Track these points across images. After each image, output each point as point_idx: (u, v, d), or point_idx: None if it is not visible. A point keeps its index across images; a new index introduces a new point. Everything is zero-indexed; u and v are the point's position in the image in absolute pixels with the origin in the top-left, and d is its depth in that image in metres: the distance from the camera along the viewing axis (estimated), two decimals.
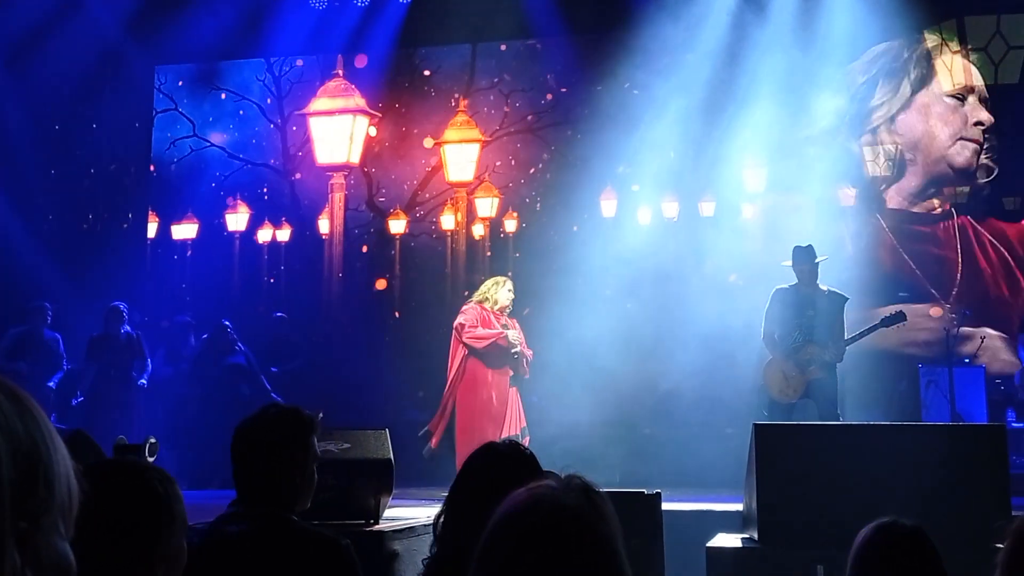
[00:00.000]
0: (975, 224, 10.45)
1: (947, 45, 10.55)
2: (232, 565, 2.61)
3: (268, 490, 2.70)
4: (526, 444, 7.77)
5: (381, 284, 11.84)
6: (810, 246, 7.82)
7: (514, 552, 1.35)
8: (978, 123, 10.43)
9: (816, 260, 7.77)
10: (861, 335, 7.69)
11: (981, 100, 10.48)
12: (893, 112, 10.62)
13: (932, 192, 10.61)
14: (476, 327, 7.90)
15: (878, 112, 10.65)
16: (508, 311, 8.03)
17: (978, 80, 10.52)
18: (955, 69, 10.53)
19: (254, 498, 2.70)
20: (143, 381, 9.96)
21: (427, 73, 11.95)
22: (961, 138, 10.47)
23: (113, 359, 9.89)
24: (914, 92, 10.58)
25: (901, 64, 10.60)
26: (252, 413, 2.83)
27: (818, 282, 7.82)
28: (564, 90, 11.53)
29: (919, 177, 10.62)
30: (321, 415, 2.89)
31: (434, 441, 7.98)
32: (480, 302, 8.03)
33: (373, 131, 11.51)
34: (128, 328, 10.06)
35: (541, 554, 1.34)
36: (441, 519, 2.49)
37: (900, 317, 7.83)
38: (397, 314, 11.67)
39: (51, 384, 9.92)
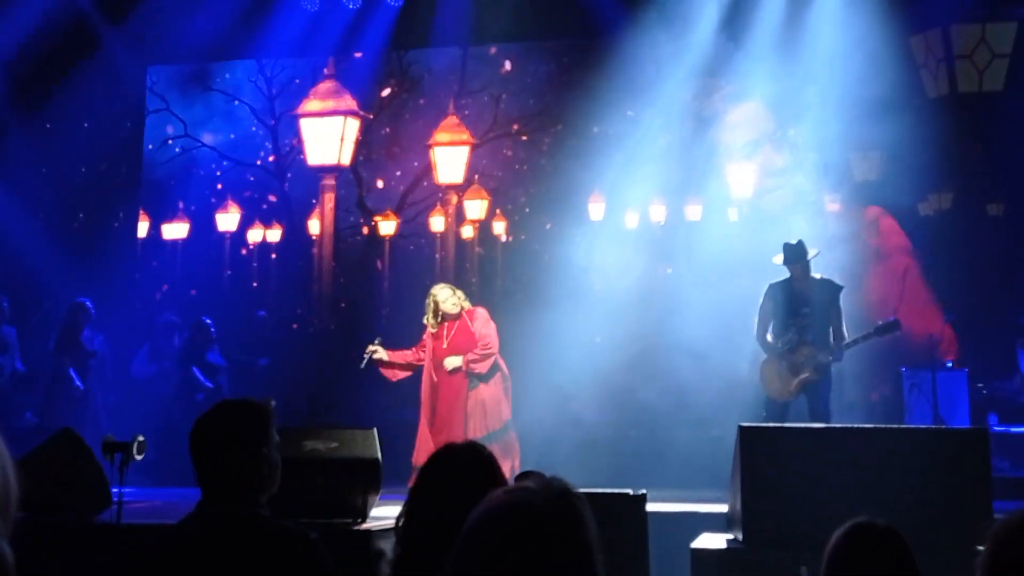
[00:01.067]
0: None
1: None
2: (200, 565, 2.59)
3: (236, 487, 2.67)
4: (513, 439, 7.83)
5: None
6: (800, 242, 7.76)
7: (491, 553, 1.37)
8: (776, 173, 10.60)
9: (808, 257, 7.72)
10: (854, 343, 7.64)
11: (772, 142, 10.62)
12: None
13: None
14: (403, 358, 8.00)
15: None
16: (455, 312, 7.86)
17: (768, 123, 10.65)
18: (744, 120, 10.69)
19: (222, 496, 2.67)
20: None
21: (418, 75, 11.98)
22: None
23: (78, 355, 9.89)
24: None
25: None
26: (207, 411, 2.79)
27: (811, 272, 7.70)
28: (554, 94, 11.57)
29: None
30: (274, 402, 2.88)
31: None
32: (428, 329, 7.90)
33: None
34: (89, 328, 10.05)
35: (517, 556, 1.35)
36: (402, 519, 2.50)
37: (895, 326, 7.80)
38: (385, 314, 11.67)
39: (20, 367, 9.90)
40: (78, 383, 9.78)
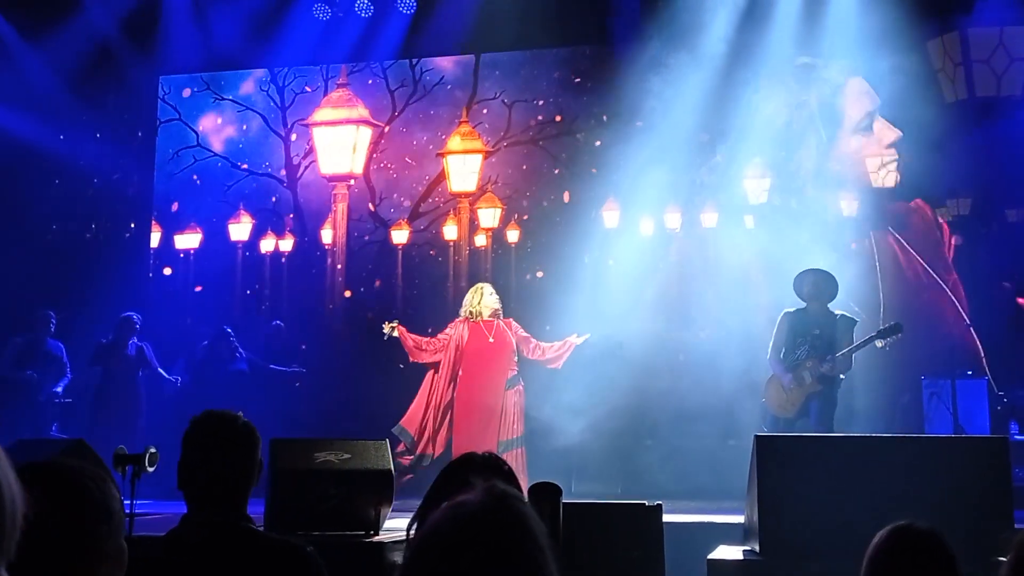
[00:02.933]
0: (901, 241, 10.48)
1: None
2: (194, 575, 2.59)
3: (226, 497, 2.68)
4: (521, 453, 7.87)
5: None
6: (832, 276, 7.86)
7: (435, 568, 1.37)
8: (891, 145, 10.43)
9: (835, 294, 7.81)
10: (856, 348, 7.66)
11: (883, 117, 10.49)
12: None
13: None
14: (430, 345, 8.19)
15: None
16: (500, 313, 8.19)
17: (873, 103, 10.53)
18: (853, 101, 10.58)
19: (211, 506, 2.68)
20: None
21: (430, 83, 11.97)
22: (883, 164, 10.53)
23: (118, 368, 9.92)
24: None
25: (809, 115, 10.62)
26: (196, 420, 2.79)
27: (828, 306, 7.82)
28: (567, 101, 11.54)
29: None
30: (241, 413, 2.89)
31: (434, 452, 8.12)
32: (466, 318, 8.22)
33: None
34: (136, 340, 10.10)
35: (461, 567, 1.35)
36: (412, 528, 2.49)
37: (896, 329, 7.79)
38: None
39: (58, 389, 9.94)
40: (110, 396, 9.81)
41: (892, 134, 10.40)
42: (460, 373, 8.12)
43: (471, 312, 8.18)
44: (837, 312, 7.82)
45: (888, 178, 10.61)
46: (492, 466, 2.52)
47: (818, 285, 7.77)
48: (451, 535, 1.38)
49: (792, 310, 7.85)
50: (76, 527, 1.79)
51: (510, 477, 2.51)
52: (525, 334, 8.24)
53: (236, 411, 2.88)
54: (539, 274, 10.97)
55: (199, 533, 2.65)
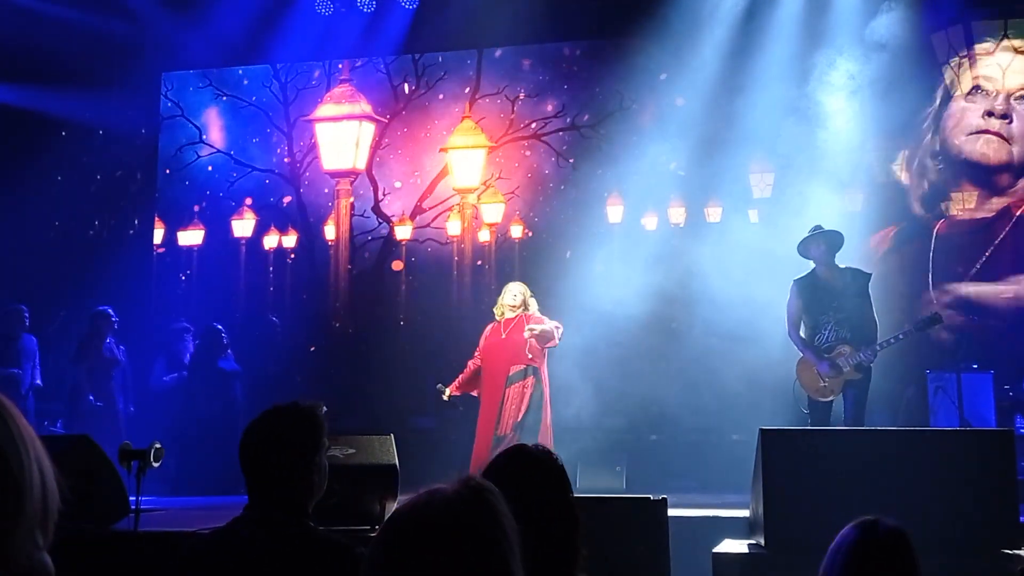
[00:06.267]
0: None
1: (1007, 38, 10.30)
2: (245, 570, 2.58)
3: (286, 493, 2.67)
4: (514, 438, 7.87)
5: (397, 265, 11.79)
6: (818, 226, 7.60)
7: (400, 553, 1.37)
8: (989, 113, 10.17)
9: (840, 243, 7.48)
10: (895, 339, 7.40)
11: (1009, 98, 10.18)
12: (936, 120, 10.44)
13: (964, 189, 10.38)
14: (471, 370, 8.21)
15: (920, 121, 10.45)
16: (520, 310, 8.12)
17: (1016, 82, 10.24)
18: (990, 67, 10.34)
19: (271, 502, 2.66)
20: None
21: (433, 78, 11.96)
22: (975, 131, 10.28)
23: (99, 363, 9.92)
24: (950, 97, 10.42)
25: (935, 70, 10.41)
26: (257, 417, 2.78)
27: (836, 262, 7.48)
28: (570, 95, 11.53)
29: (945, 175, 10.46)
30: (325, 408, 2.86)
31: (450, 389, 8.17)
32: (497, 320, 8.23)
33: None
34: (112, 337, 10.08)
35: (429, 553, 1.36)
36: None
37: (936, 319, 7.58)
38: (402, 321, 11.66)
39: (38, 382, 9.95)
40: (90, 396, 9.82)
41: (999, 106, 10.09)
42: (482, 372, 8.20)
43: (496, 312, 8.24)
44: (844, 266, 7.46)
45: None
46: (544, 461, 2.44)
47: (821, 245, 7.44)
48: (421, 520, 1.38)
49: (801, 277, 7.50)
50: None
51: (560, 474, 2.44)
52: (532, 325, 8.08)
53: (311, 401, 2.83)
54: (542, 269, 10.95)
55: (254, 526, 2.63)
